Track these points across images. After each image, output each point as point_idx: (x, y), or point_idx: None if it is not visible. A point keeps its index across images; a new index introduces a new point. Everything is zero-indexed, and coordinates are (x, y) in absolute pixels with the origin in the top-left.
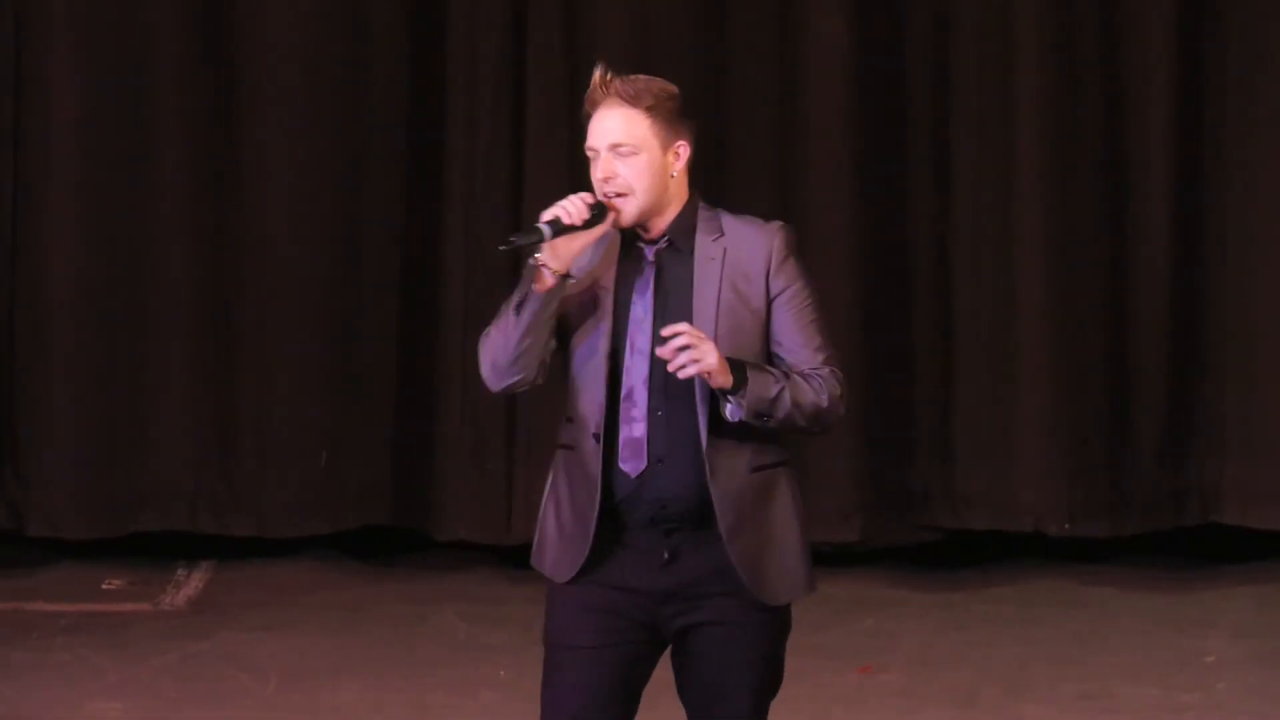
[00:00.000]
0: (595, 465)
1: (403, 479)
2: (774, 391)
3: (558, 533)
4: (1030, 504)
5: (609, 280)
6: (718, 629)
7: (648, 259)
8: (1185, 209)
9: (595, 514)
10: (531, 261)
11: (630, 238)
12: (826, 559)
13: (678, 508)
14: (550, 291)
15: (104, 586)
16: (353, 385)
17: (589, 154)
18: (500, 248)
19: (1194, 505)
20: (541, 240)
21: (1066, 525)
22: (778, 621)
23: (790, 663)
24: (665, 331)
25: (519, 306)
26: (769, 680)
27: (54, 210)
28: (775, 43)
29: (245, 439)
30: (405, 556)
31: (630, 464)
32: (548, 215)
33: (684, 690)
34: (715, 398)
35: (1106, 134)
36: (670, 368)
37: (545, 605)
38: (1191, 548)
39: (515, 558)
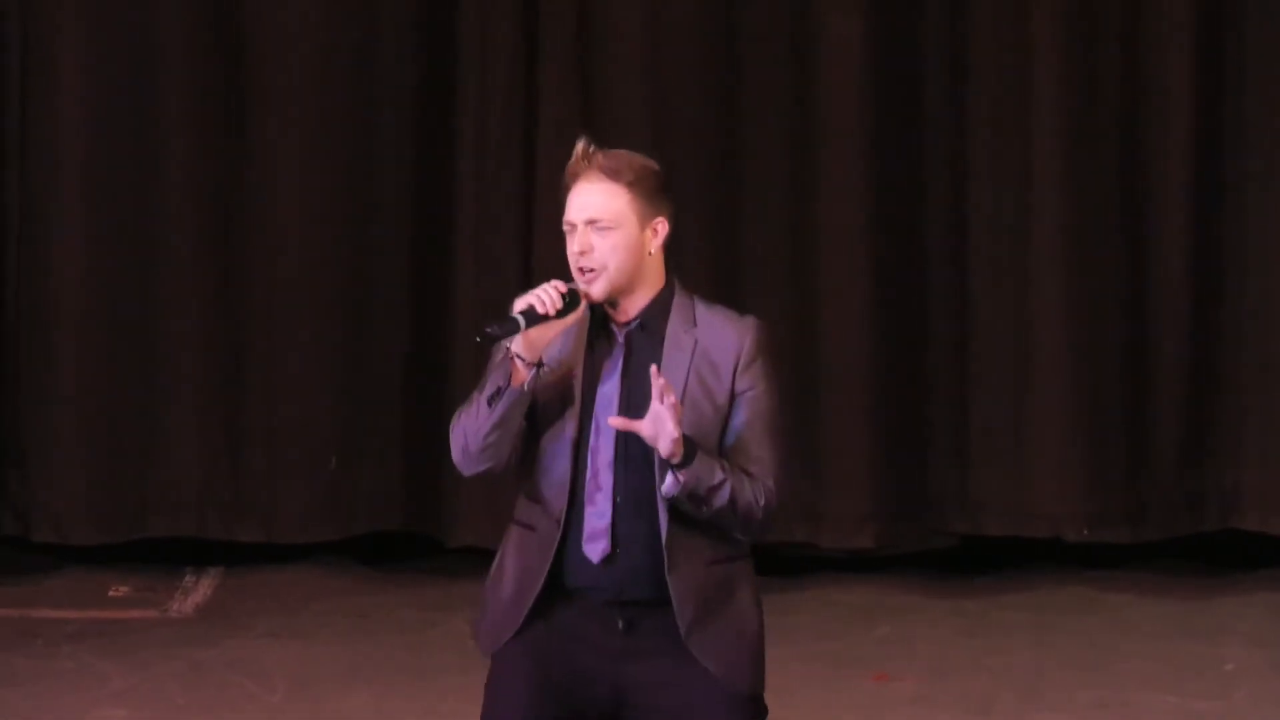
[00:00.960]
0: (550, 547)
1: (413, 484)
2: (716, 480)
3: (496, 607)
4: (1048, 510)
5: (578, 359)
6: (685, 691)
7: (618, 340)
8: (1205, 211)
9: (538, 588)
10: (506, 351)
11: (601, 317)
12: (841, 565)
13: (636, 594)
14: (524, 383)
15: (110, 593)
16: (363, 390)
17: (565, 229)
18: (477, 339)
19: (1213, 511)
20: (517, 330)
21: (1084, 531)
22: (750, 699)
23: (803, 670)
24: (656, 380)
25: (491, 399)
26: None
27: (61, 214)
28: (790, 43)
29: (254, 444)
30: (415, 563)
31: (592, 547)
32: (521, 304)
33: None
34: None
35: (1125, 136)
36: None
37: (488, 675)
38: (1210, 554)
39: None
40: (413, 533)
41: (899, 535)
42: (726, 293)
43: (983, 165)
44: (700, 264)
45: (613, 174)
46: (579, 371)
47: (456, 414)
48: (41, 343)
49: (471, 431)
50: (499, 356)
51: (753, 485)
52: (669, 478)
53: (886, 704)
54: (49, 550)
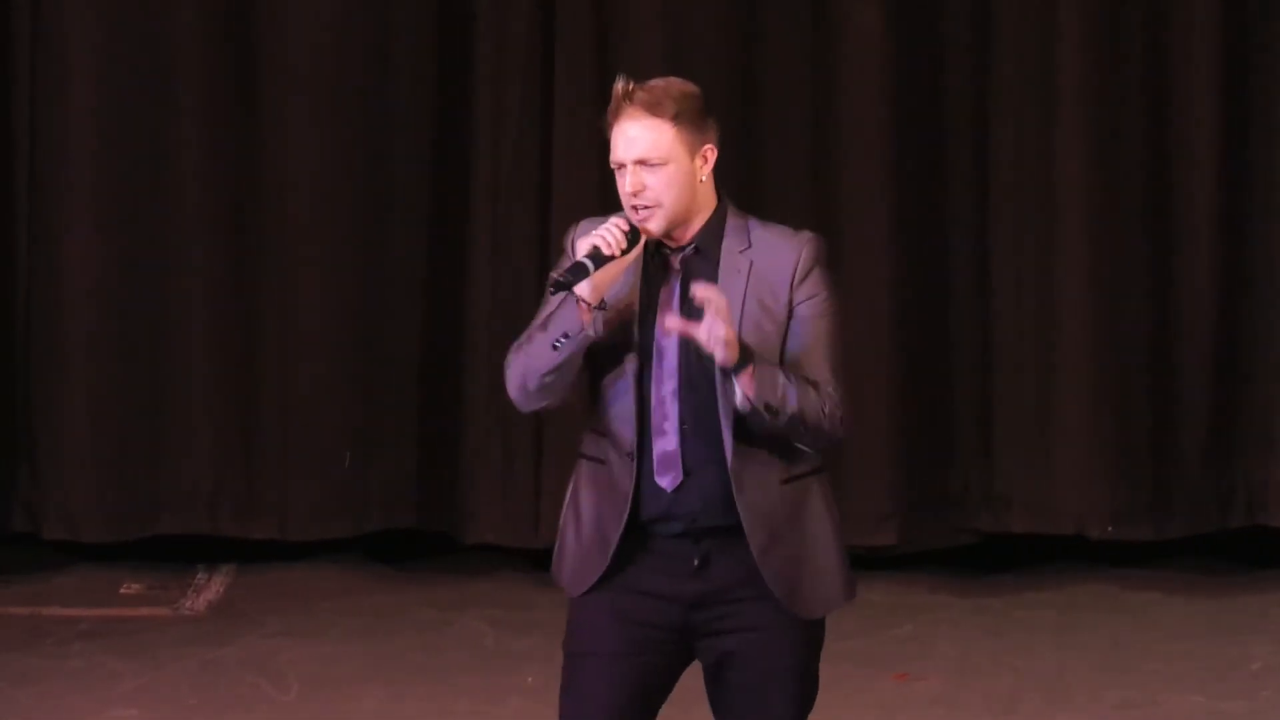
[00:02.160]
0: (627, 480)
1: (428, 481)
2: (780, 385)
3: (576, 545)
4: (1071, 506)
5: (635, 291)
6: (752, 636)
7: (674, 267)
8: (1233, 203)
9: (620, 528)
10: (570, 293)
11: (655, 245)
12: (863, 563)
13: (708, 521)
14: (590, 326)
15: (122, 591)
16: (377, 386)
17: (614, 167)
18: (550, 290)
19: (1239, 507)
20: (587, 275)
21: (1108, 528)
22: (812, 633)
23: (825, 670)
24: (696, 292)
25: (557, 343)
26: (806, 692)
27: (71, 207)
28: (809, 34)
29: (267, 440)
30: (430, 560)
31: (666, 478)
32: (586, 247)
33: (717, 699)
34: (739, 411)
35: (1152, 126)
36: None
37: (567, 612)
38: (1237, 551)
39: (544, 561)
40: (427, 530)
41: (921, 532)
42: None
43: (1006, 159)
44: None
45: (655, 109)
46: (636, 302)
47: (514, 347)
48: (53, 340)
49: (532, 371)
50: (559, 295)
51: (819, 393)
52: (736, 390)
53: (908, 704)
54: (60, 548)
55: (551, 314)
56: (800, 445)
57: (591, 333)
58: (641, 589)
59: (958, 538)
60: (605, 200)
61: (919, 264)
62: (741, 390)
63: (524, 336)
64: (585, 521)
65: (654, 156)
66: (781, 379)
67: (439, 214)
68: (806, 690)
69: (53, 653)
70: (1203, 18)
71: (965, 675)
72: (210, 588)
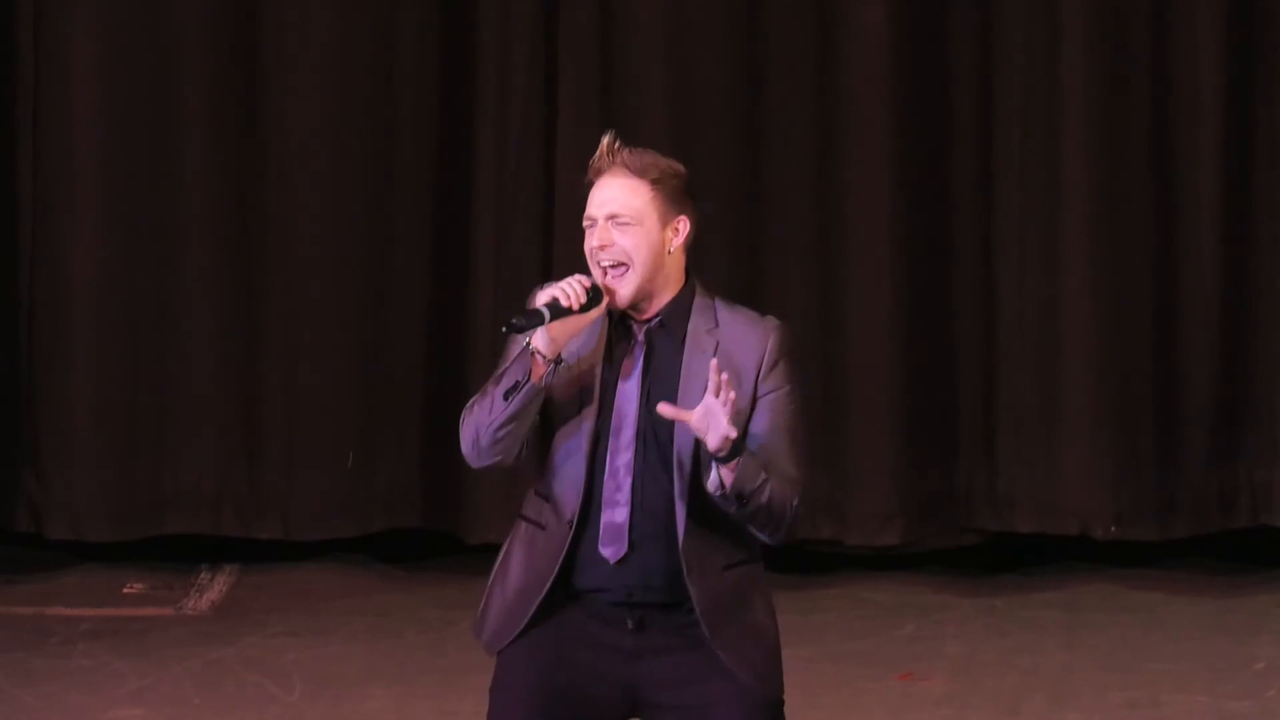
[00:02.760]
0: (559, 547)
1: (432, 481)
2: (760, 478)
3: (500, 604)
4: (1076, 506)
5: (596, 358)
6: (702, 687)
7: (638, 338)
8: (1237, 204)
9: (541, 595)
10: (525, 344)
11: (620, 316)
12: (867, 563)
13: (645, 597)
14: (550, 377)
15: (125, 591)
16: (382, 386)
17: (585, 224)
18: (503, 329)
19: (1244, 507)
20: (542, 323)
21: (1112, 528)
22: (769, 696)
23: (830, 669)
24: (715, 374)
25: (508, 394)
26: None
27: (75, 206)
28: (814, 33)
29: (271, 440)
30: (435, 560)
31: (609, 549)
32: (545, 297)
33: None
34: (694, 489)
35: (1155, 124)
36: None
37: (492, 677)
38: (1242, 551)
39: None
40: (432, 530)
41: (926, 532)
42: (749, 286)
43: (1010, 156)
44: (723, 255)
45: (636, 170)
46: (598, 370)
47: (469, 405)
48: (56, 339)
49: (484, 425)
50: (516, 348)
51: (783, 485)
52: (713, 474)
53: (914, 704)
54: (64, 548)
55: (506, 368)
56: (753, 531)
57: (542, 385)
58: (573, 635)
59: (962, 538)
60: None
61: (923, 264)
62: (720, 477)
63: (478, 395)
64: (511, 582)
65: (626, 214)
66: (761, 475)
67: (443, 216)
68: None
69: (57, 652)
70: (1207, 16)
71: (970, 675)
72: (213, 588)
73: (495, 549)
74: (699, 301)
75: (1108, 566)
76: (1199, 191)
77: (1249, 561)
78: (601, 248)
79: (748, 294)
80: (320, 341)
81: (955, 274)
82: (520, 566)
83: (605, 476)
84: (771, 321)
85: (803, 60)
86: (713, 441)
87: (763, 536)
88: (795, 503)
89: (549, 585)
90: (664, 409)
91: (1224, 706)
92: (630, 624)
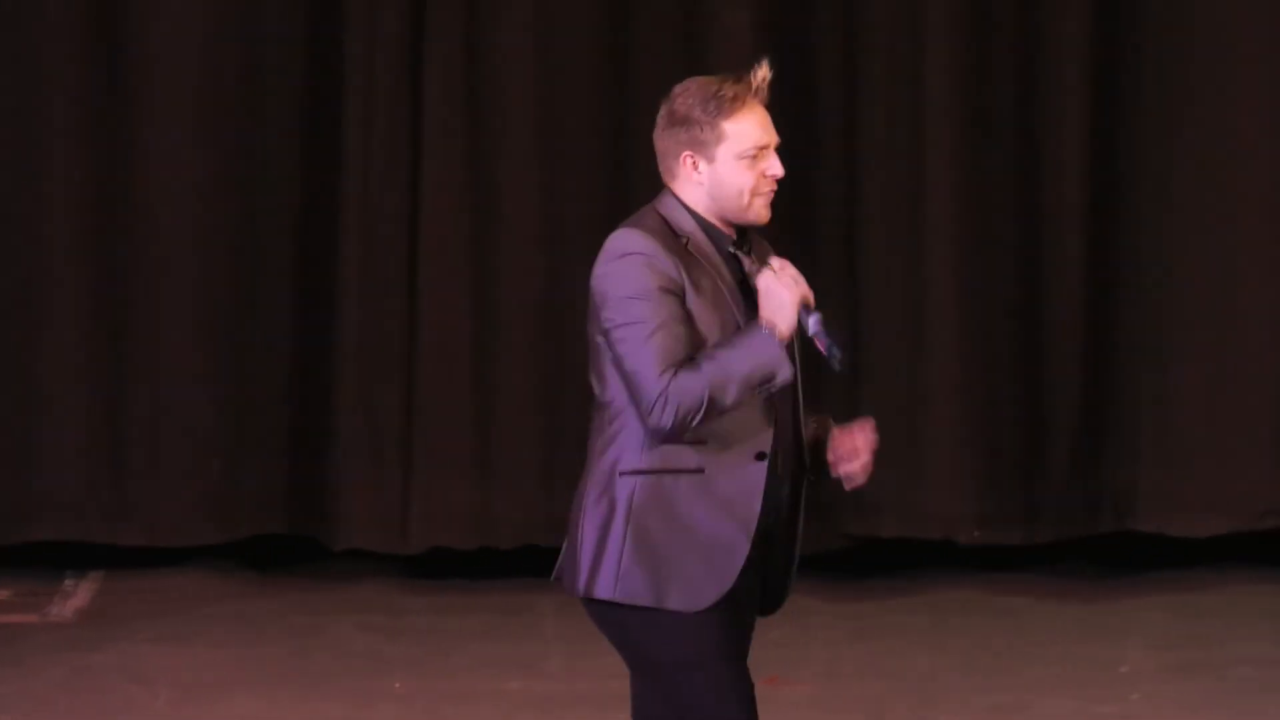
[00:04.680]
0: (755, 482)
1: (297, 487)
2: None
3: (690, 555)
4: (940, 511)
5: (719, 283)
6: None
7: (742, 261)
8: (1100, 219)
9: (751, 534)
10: (783, 343)
11: (718, 238)
12: None
13: (786, 506)
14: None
15: None
16: (247, 392)
17: (754, 152)
18: (838, 368)
19: (1108, 512)
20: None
21: (977, 533)
22: None
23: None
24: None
25: (763, 388)
26: None
27: None
28: (680, 35)
29: (136, 447)
30: (301, 566)
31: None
32: (798, 301)
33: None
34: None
35: (1020, 127)
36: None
37: (666, 623)
38: (1106, 555)
39: (412, 567)
40: (297, 536)
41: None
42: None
43: (875, 159)
44: (588, 245)
45: (766, 101)
46: (726, 295)
47: (677, 376)
48: None
49: (718, 407)
50: (659, 308)
51: None
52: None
53: (780, 708)
54: None
55: (741, 349)
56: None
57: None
58: (743, 586)
59: (828, 542)
60: (476, 215)
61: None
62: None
63: (694, 365)
64: (702, 532)
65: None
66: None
67: (309, 221)
68: None
69: None
70: (1073, 16)
71: (836, 679)
72: (79, 595)
73: (360, 555)
74: None
75: (973, 571)
76: (1064, 196)
77: (1114, 566)
78: (779, 177)
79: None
80: (185, 348)
81: (820, 277)
82: (707, 517)
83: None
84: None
85: (668, 62)
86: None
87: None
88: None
89: (754, 525)
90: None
91: (1090, 710)
92: (768, 546)
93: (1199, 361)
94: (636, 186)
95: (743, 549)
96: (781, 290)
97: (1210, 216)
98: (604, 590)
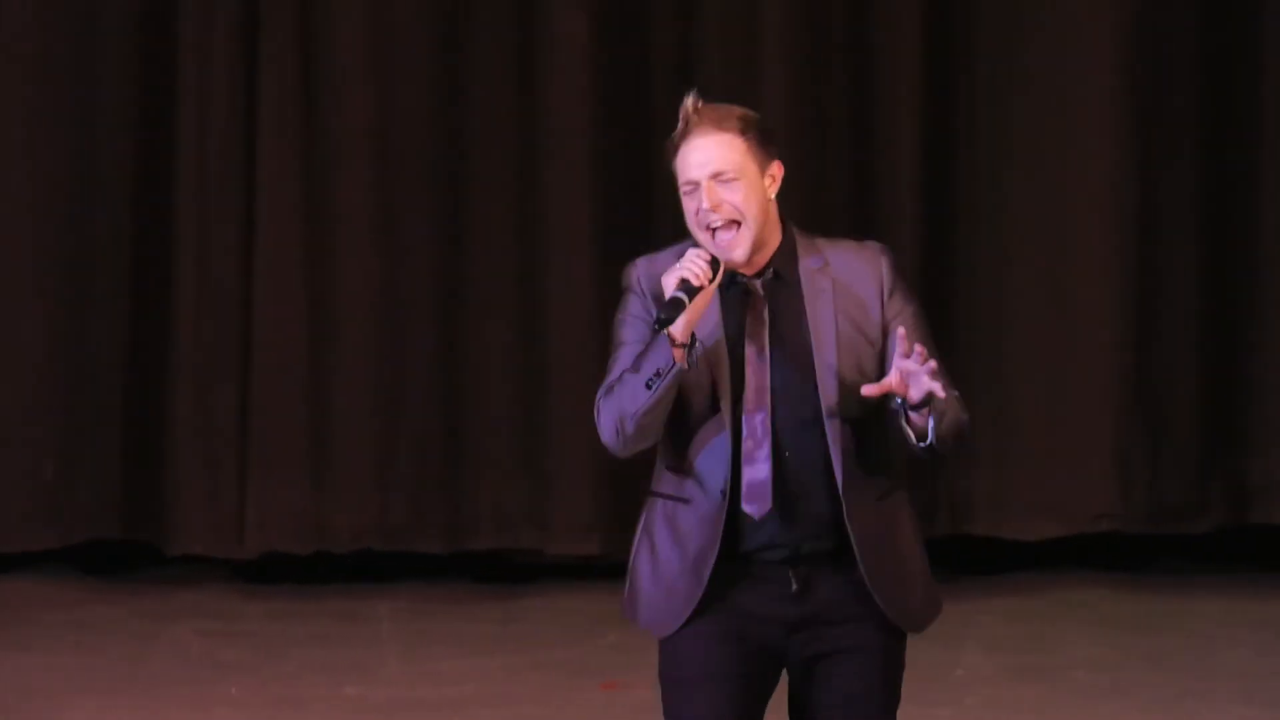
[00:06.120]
0: (718, 515)
1: (132, 492)
2: (950, 411)
3: (656, 586)
4: None
5: (718, 324)
6: (853, 656)
7: (758, 293)
8: (935, 210)
9: (710, 568)
10: (658, 331)
11: (730, 274)
12: (569, 572)
13: (812, 547)
14: (684, 362)
15: None
16: (81, 397)
17: (686, 190)
18: (655, 328)
19: (944, 516)
20: (684, 309)
21: None
22: (902, 647)
23: (535, 677)
24: (904, 348)
25: (650, 381)
26: (896, 702)
27: None
28: (515, 43)
29: None
30: (138, 571)
31: (752, 506)
32: (673, 281)
33: (810, 713)
34: (846, 434)
35: (856, 135)
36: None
37: (660, 644)
38: (942, 559)
39: (250, 572)
40: (133, 541)
41: (627, 542)
42: (456, 281)
43: None
44: (429, 253)
45: (724, 124)
46: (720, 333)
47: (601, 395)
48: None
49: (628, 414)
50: (632, 332)
51: (955, 404)
52: (920, 425)
53: (617, 712)
54: None
55: (641, 354)
56: (943, 452)
57: (686, 367)
58: (741, 611)
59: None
60: (311, 222)
61: (623, 261)
62: (917, 426)
63: (610, 381)
64: (663, 564)
65: (729, 169)
66: (946, 403)
67: (143, 223)
68: (897, 700)
69: None
70: (907, 31)
71: None
72: None
73: (196, 560)
74: (802, 242)
75: None
76: (898, 204)
77: (950, 569)
78: (714, 208)
79: (460, 290)
80: (18, 351)
81: None
82: (670, 545)
83: (744, 436)
84: (875, 245)
85: (504, 68)
86: (915, 395)
87: (952, 451)
88: (966, 417)
89: (715, 557)
90: (868, 389)
91: (926, 714)
92: (795, 586)
93: (1033, 367)
94: (471, 192)
95: (691, 589)
96: (670, 280)
97: (1045, 223)
98: (623, 604)
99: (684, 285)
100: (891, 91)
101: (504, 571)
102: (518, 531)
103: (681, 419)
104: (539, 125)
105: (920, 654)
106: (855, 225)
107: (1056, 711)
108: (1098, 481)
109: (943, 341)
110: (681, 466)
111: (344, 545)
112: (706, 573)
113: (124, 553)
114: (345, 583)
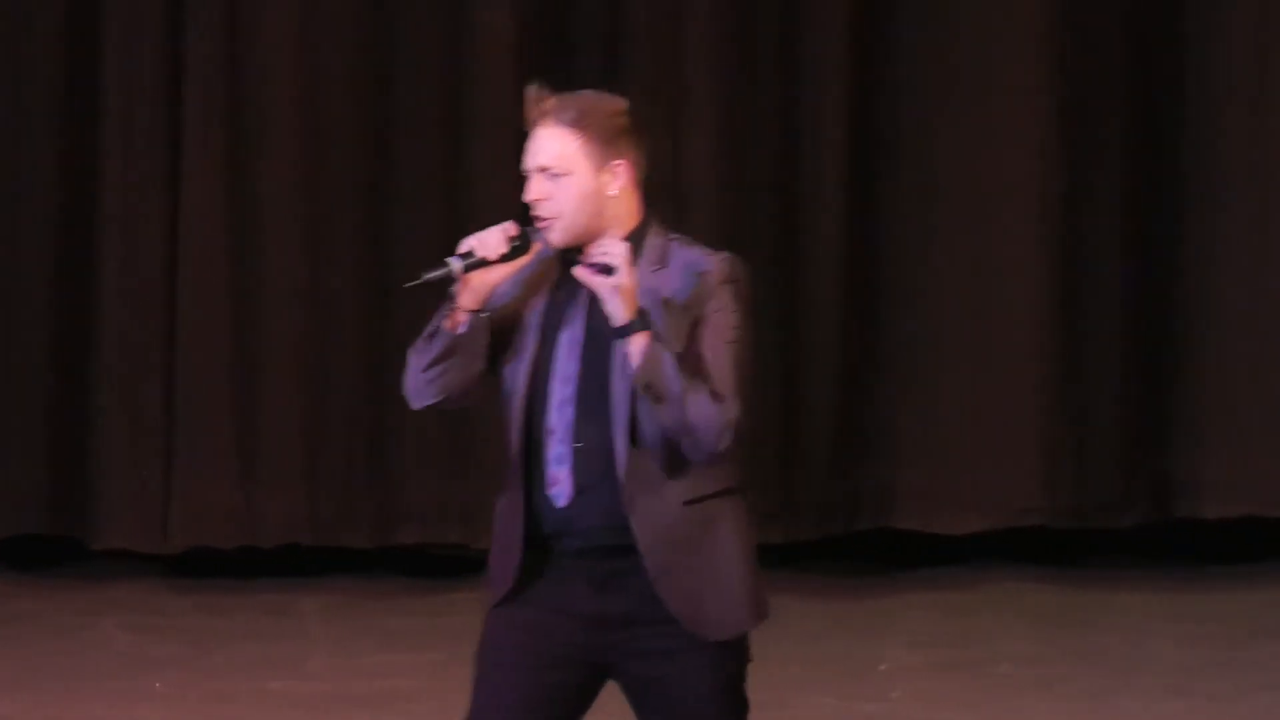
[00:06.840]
0: (519, 495)
1: (56, 486)
2: (676, 381)
3: (495, 553)
4: None
5: (538, 305)
6: (666, 662)
7: (583, 283)
8: (858, 219)
9: (520, 544)
10: (449, 292)
11: (568, 260)
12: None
13: (606, 540)
14: (466, 326)
15: None
16: (4, 390)
17: (525, 175)
18: (406, 285)
19: (867, 510)
20: (450, 274)
21: None
22: (732, 653)
23: (462, 673)
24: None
25: (430, 335)
26: (737, 706)
27: None
28: (440, 34)
29: None
30: (62, 566)
31: (554, 489)
32: (463, 247)
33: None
34: (634, 427)
35: (783, 134)
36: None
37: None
38: (867, 554)
39: (177, 567)
40: (57, 535)
41: None
42: (380, 269)
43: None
44: (350, 243)
45: (560, 117)
46: (540, 310)
47: (412, 344)
48: None
49: (414, 367)
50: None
51: (708, 400)
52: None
53: None
54: None
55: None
56: (684, 446)
57: (461, 332)
58: (545, 605)
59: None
60: (236, 213)
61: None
62: (630, 358)
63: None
64: (496, 540)
65: (555, 164)
66: (671, 364)
67: (68, 219)
68: (735, 710)
69: None
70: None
71: None
72: None
73: (122, 554)
74: (651, 241)
75: None
76: (823, 197)
77: (874, 564)
78: (536, 200)
79: (383, 279)
80: None
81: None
82: (498, 523)
83: (548, 423)
84: (723, 254)
85: (429, 59)
86: (614, 306)
87: (693, 451)
88: (721, 423)
89: (520, 538)
90: (580, 271)
91: (851, 708)
92: (590, 584)
93: (959, 360)
94: (400, 185)
95: (501, 574)
96: (462, 244)
97: (970, 219)
98: None
99: (466, 254)
100: (818, 80)
101: (432, 566)
102: (446, 526)
103: (505, 404)
104: (464, 114)
105: (846, 648)
106: (777, 216)
107: (982, 705)
108: (1024, 476)
109: (868, 336)
110: (504, 454)
111: (271, 540)
112: (517, 553)
113: (49, 548)
114: (272, 577)
